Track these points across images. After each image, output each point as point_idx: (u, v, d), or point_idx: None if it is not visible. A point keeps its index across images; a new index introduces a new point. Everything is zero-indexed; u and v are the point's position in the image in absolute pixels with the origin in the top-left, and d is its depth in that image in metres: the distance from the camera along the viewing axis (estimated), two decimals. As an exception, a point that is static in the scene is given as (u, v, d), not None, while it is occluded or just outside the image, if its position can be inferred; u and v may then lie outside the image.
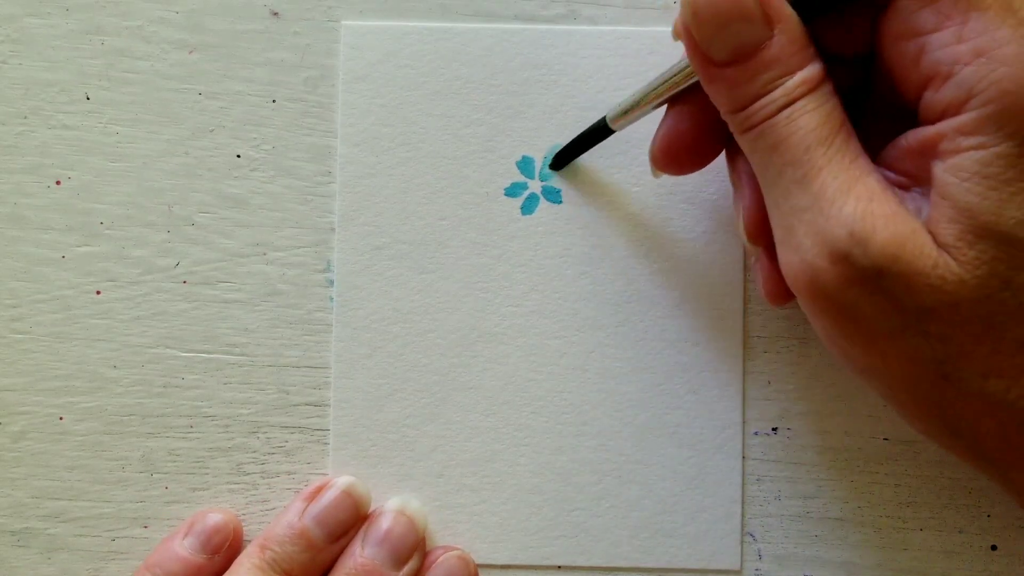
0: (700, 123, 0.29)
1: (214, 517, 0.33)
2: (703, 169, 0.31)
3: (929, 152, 0.25)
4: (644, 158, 0.34)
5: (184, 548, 0.32)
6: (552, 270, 0.34)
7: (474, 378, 0.34)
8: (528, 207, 0.34)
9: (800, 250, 0.25)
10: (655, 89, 0.29)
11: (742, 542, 0.33)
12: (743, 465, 0.33)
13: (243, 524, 0.33)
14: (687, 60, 0.28)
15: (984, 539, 0.33)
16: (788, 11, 0.25)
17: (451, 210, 0.34)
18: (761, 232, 0.28)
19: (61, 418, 0.34)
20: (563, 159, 0.34)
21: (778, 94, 0.25)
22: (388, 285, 0.34)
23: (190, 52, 0.34)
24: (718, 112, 0.27)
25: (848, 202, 0.24)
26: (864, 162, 0.25)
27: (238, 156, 0.34)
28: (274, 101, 0.34)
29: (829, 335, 0.27)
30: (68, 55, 0.34)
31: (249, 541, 0.33)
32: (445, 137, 0.34)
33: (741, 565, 0.33)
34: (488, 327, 0.34)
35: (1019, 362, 0.24)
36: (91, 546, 0.34)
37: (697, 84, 0.28)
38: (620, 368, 0.34)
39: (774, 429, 0.34)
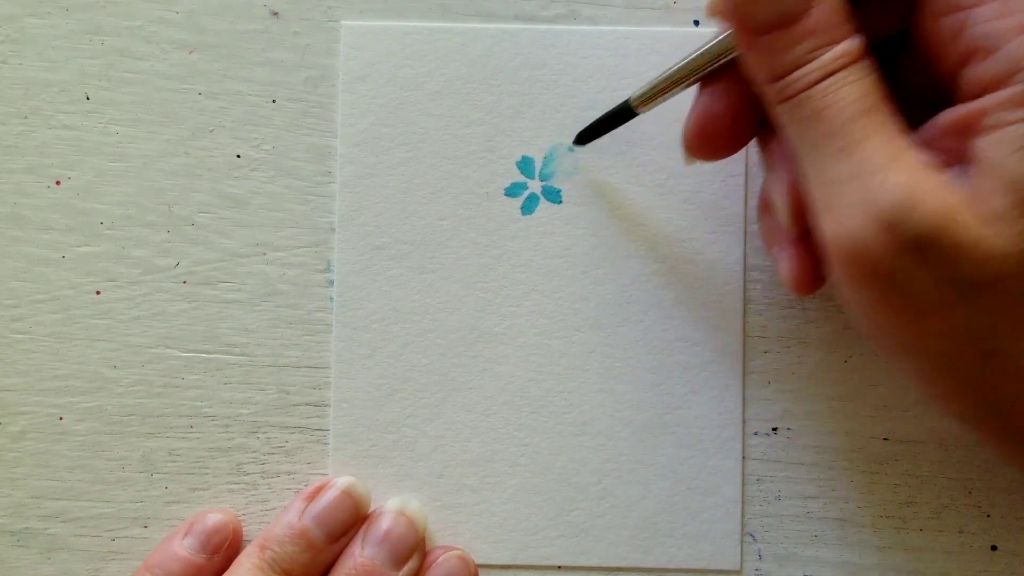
0: (735, 104, 0.29)
1: (214, 517, 0.33)
2: (705, 168, 0.31)
3: (969, 129, 0.25)
4: (644, 158, 0.34)
5: (184, 548, 0.32)
6: (552, 270, 0.34)
7: (474, 378, 0.34)
8: (528, 207, 0.34)
9: (843, 220, 0.25)
10: (684, 69, 0.29)
11: (742, 542, 0.33)
12: (743, 465, 0.33)
13: (243, 524, 0.33)
14: (716, 40, 0.28)
15: (984, 539, 0.33)
16: None
17: (451, 210, 0.34)
18: (804, 211, 0.28)
19: (61, 418, 0.34)
20: (586, 137, 0.33)
21: (817, 64, 0.25)
22: (388, 285, 0.34)
23: (190, 52, 0.34)
24: (752, 93, 0.27)
25: (893, 172, 0.24)
26: (905, 138, 0.25)
27: (238, 156, 0.34)
28: (274, 101, 0.34)
29: (868, 310, 0.26)
30: (68, 55, 0.34)
31: (249, 541, 0.33)
32: (445, 137, 0.34)
33: (741, 565, 0.33)
34: (488, 327, 0.34)
35: None
36: (91, 546, 0.34)
37: (728, 64, 0.28)
38: (620, 368, 0.34)
39: (774, 429, 0.34)
